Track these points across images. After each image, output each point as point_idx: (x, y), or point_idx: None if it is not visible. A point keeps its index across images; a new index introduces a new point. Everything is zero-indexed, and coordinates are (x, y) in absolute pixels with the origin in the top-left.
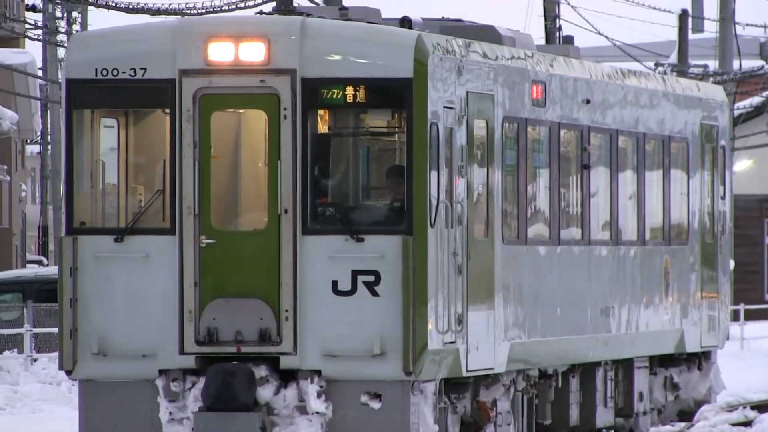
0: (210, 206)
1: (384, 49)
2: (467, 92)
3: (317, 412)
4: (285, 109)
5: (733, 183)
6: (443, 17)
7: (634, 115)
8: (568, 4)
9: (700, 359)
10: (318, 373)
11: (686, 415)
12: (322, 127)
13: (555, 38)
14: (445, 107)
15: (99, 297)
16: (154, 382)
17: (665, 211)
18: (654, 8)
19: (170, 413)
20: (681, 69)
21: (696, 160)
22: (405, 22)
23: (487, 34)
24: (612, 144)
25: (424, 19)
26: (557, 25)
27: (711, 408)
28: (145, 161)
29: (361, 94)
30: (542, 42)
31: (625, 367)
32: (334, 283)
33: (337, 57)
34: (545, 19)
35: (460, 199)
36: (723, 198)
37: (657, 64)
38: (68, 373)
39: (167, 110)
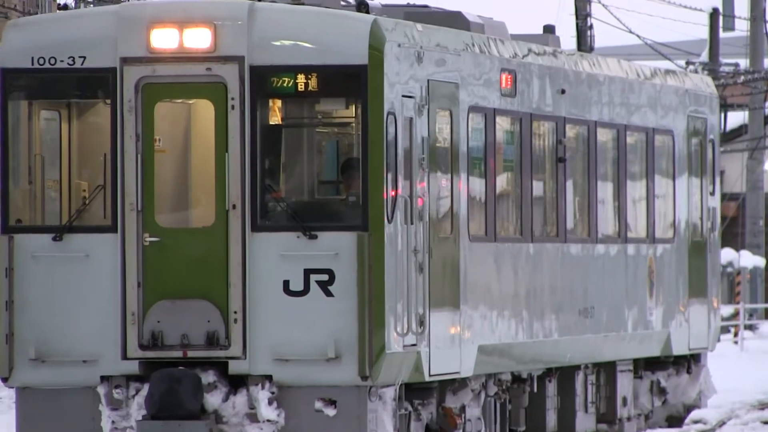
0: (154, 202)
1: (337, 34)
2: (428, 80)
3: (268, 420)
4: (233, 98)
5: (764, 182)
6: (408, 3)
7: (614, 107)
8: (600, 2)
9: (690, 362)
10: (269, 378)
11: (675, 421)
12: (273, 118)
13: (586, 37)
14: (403, 96)
15: (37, 299)
16: (95, 389)
17: (649, 207)
18: (685, 7)
19: (113, 422)
20: (712, 67)
21: (682, 155)
22: (362, 7)
23: (455, 20)
24: (590, 136)
25: (388, 5)
26: (588, 24)
27: (742, 405)
28: (88, 155)
29: (313, 83)
30: (573, 40)
31: (607, 370)
32: (286, 283)
33: (287, 43)
34: (576, 18)
35: (420, 193)
36: (712, 194)
37: (688, 63)
38: (4, 380)
39: (108, 101)
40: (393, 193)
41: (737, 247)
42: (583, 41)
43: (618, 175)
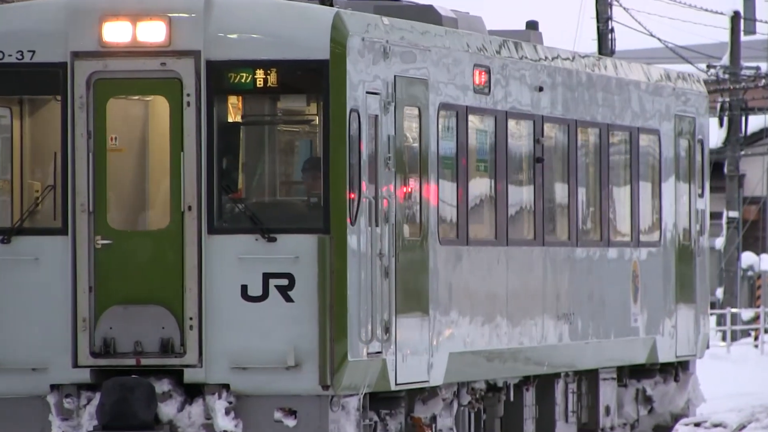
0: (106, 203)
1: (297, 28)
2: (395, 76)
3: (226, 431)
4: (188, 95)
5: None
6: None
7: (596, 105)
8: (621, 6)
9: (677, 370)
10: (226, 387)
11: (663, 431)
12: (230, 115)
13: (607, 40)
14: (368, 92)
15: None
16: (45, 399)
17: (633, 209)
18: (706, 10)
19: None
20: (733, 71)
21: (669, 155)
22: (325, 0)
23: (426, 14)
24: (570, 136)
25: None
26: (609, 27)
27: (763, 409)
28: (40, 154)
29: (272, 78)
30: (594, 44)
31: (589, 378)
32: (244, 288)
33: (245, 37)
34: (597, 21)
35: (386, 194)
36: (701, 196)
37: (709, 66)
38: None
39: (59, 97)
40: (356, 194)
41: (758, 251)
42: (604, 45)
43: (600, 176)
